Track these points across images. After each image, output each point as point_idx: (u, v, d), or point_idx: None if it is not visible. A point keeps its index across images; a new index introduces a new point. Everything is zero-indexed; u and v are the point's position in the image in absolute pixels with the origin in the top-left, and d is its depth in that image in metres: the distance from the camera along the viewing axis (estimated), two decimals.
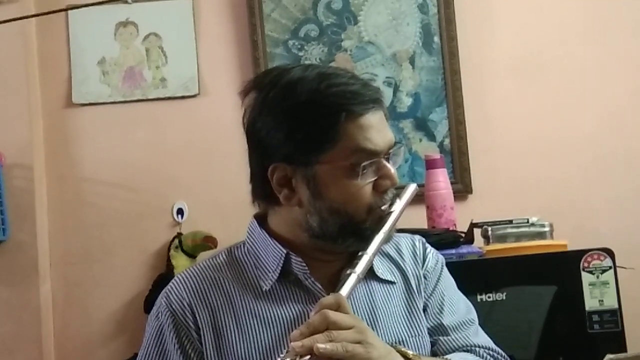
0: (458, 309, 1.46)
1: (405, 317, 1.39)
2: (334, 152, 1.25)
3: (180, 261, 2.60)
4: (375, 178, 1.28)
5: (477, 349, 1.42)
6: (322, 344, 1.12)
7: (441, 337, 1.41)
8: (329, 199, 1.27)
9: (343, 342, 1.14)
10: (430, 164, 2.41)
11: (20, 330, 2.57)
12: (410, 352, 1.26)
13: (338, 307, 1.18)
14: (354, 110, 1.25)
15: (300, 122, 1.25)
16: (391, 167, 1.30)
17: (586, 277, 2.06)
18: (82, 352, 2.65)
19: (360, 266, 1.25)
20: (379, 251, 1.34)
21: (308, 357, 1.12)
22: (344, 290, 1.22)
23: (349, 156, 1.25)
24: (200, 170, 2.73)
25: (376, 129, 1.27)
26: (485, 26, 2.74)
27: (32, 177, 2.63)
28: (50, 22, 2.74)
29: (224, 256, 1.39)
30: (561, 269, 2.10)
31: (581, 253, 2.07)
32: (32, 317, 2.58)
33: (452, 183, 2.46)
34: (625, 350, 1.99)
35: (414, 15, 2.72)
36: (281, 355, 1.15)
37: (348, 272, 1.25)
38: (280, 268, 1.32)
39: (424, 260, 1.47)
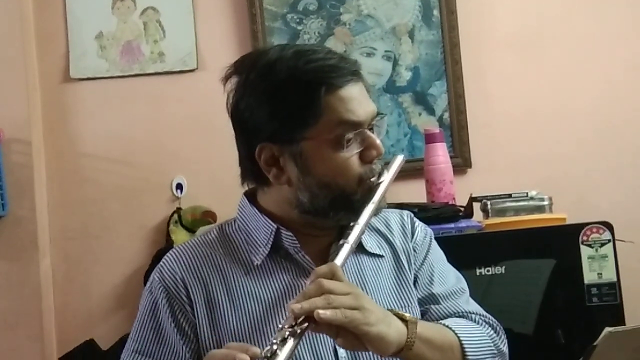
0: (448, 279, 1.48)
1: (394, 290, 1.41)
2: (318, 127, 1.27)
3: (179, 236, 2.60)
4: (361, 149, 1.30)
5: (470, 314, 1.44)
6: (322, 310, 1.13)
7: (432, 306, 1.43)
8: (317, 174, 1.29)
9: (342, 307, 1.15)
10: (429, 138, 2.41)
11: (20, 305, 2.57)
12: (407, 315, 1.27)
13: (333, 276, 1.20)
14: (333, 83, 1.27)
15: (281, 100, 1.28)
16: (376, 137, 1.32)
17: (585, 251, 2.06)
18: (82, 327, 2.66)
19: (353, 236, 1.28)
20: (369, 226, 1.37)
21: (307, 324, 1.14)
22: (338, 260, 1.24)
23: (333, 129, 1.27)
24: (199, 145, 2.72)
25: (357, 100, 1.29)
26: None
27: (30, 152, 2.62)
28: None
29: (215, 233, 1.42)
30: (560, 243, 2.10)
31: (580, 226, 2.08)
32: (32, 293, 2.59)
33: (451, 157, 2.46)
34: (623, 324, 2.00)
35: None
36: (281, 323, 1.16)
37: (341, 242, 1.27)
38: (271, 243, 1.34)
39: (413, 233, 1.49)
